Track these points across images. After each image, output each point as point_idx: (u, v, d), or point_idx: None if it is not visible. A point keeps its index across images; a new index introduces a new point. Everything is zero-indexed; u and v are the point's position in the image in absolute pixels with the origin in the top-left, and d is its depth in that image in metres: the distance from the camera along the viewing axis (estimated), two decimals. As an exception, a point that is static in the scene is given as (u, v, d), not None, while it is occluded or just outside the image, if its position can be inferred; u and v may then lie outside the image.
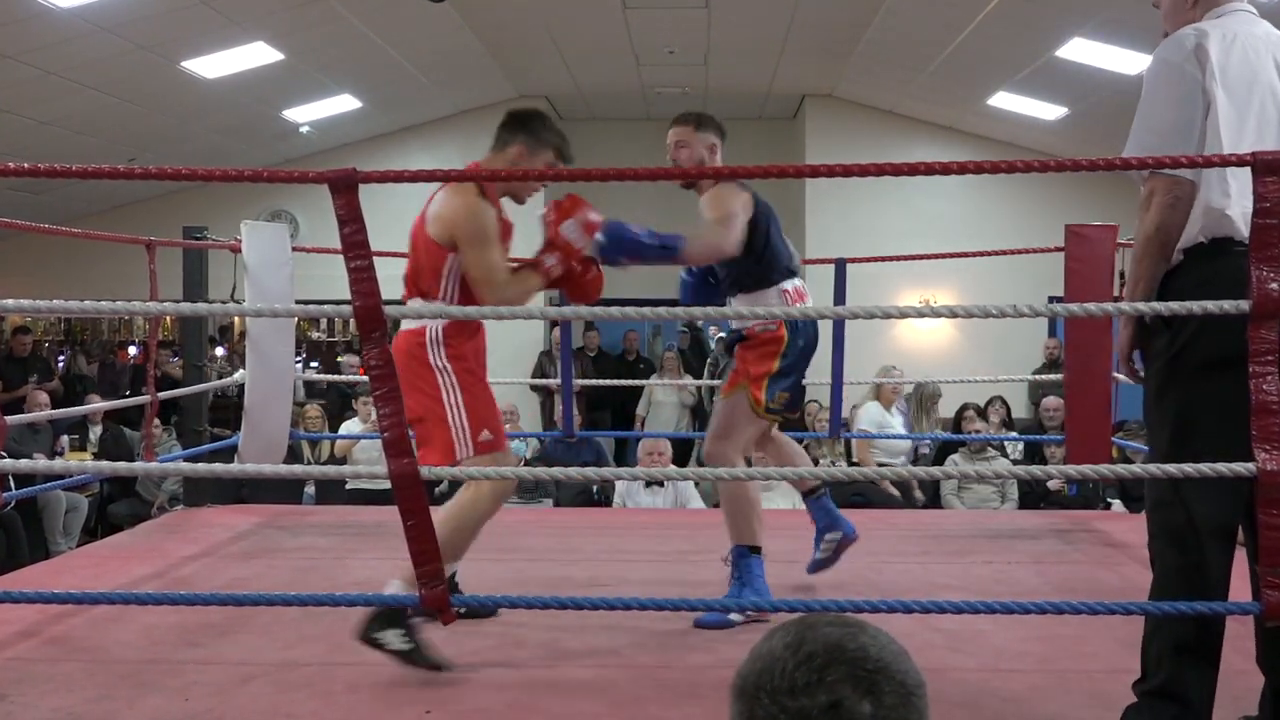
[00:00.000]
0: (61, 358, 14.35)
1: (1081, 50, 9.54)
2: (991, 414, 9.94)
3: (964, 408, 9.44)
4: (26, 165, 3.11)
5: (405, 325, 3.65)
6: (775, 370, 4.00)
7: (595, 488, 8.08)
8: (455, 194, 3.53)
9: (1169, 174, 2.70)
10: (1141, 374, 2.94)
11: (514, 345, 12.41)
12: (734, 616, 3.86)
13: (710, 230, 3.88)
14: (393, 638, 3.29)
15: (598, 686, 3.28)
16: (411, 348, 3.55)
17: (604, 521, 6.24)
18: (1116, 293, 5.29)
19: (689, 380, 10.80)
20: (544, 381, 10.49)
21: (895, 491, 8.00)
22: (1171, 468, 2.71)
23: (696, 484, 7.55)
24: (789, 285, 4.05)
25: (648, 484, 7.06)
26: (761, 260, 3.98)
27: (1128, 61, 9.41)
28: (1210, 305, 2.70)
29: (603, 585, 4.30)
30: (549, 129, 3.71)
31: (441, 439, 3.50)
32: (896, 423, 8.46)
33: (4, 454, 4.93)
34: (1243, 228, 2.74)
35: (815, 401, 9.14)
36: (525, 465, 8.56)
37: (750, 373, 4.03)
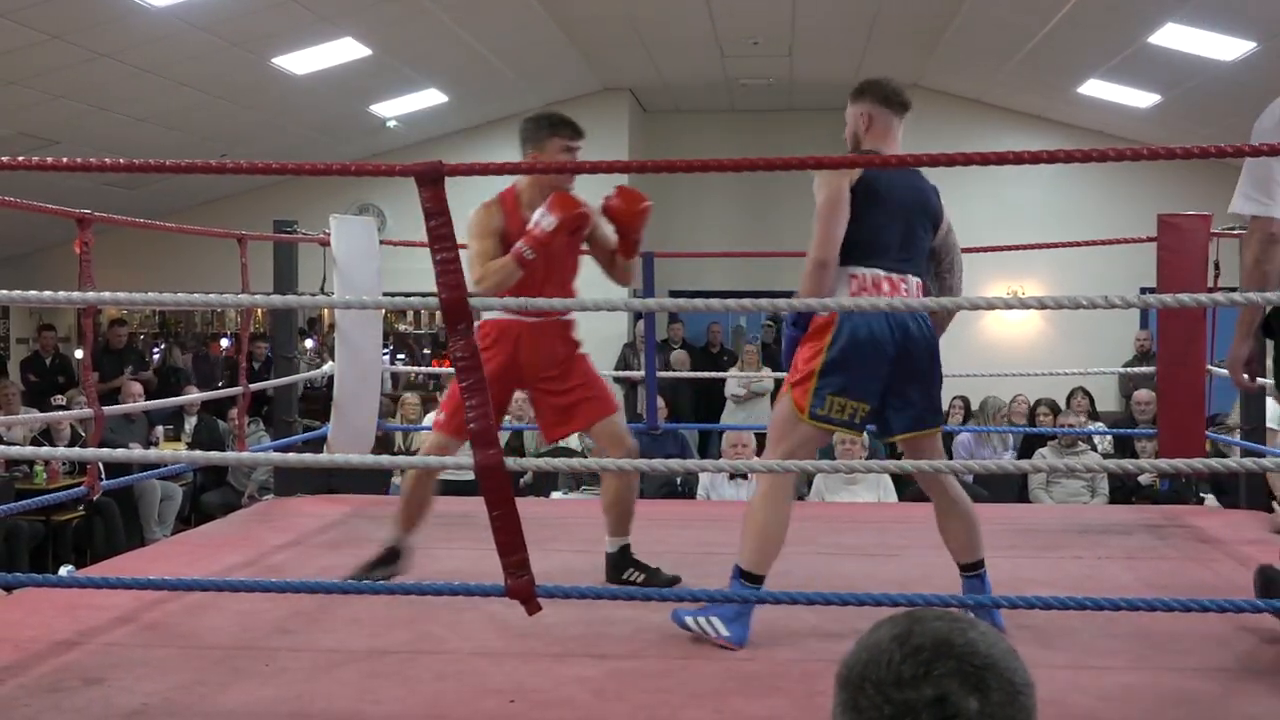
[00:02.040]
0: (156, 350, 14.65)
1: (1175, 36, 9.33)
2: (1075, 406, 9.82)
3: (1037, 403, 9.34)
4: (122, 161, 3.17)
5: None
6: (821, 366, 3.47)
7: (679, 480, 8.08)
8: None
9: (1264, 215, 3.23)
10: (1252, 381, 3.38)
11: (599, 338, 12.45)
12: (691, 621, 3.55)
13: (807, 269, 3.50)
14: None
15: (682, 678, 3.27)
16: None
17: (688, 514, 6.23)
18: (1210, 284, 5.20)
19: (766, 372, 10.76)
20: (627, 374, 10.52)
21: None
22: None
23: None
24: (862, 270, 3.55)
25: (732, 476, 7.06)
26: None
27: (1223, 47, 9.19)
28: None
29: (687, 577, 4.30)
30: None
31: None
32: None
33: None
34: None
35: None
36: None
37: (798, 369, 3.55)
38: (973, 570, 3.65)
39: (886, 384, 3.53)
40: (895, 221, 3.59)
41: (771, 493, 3.56)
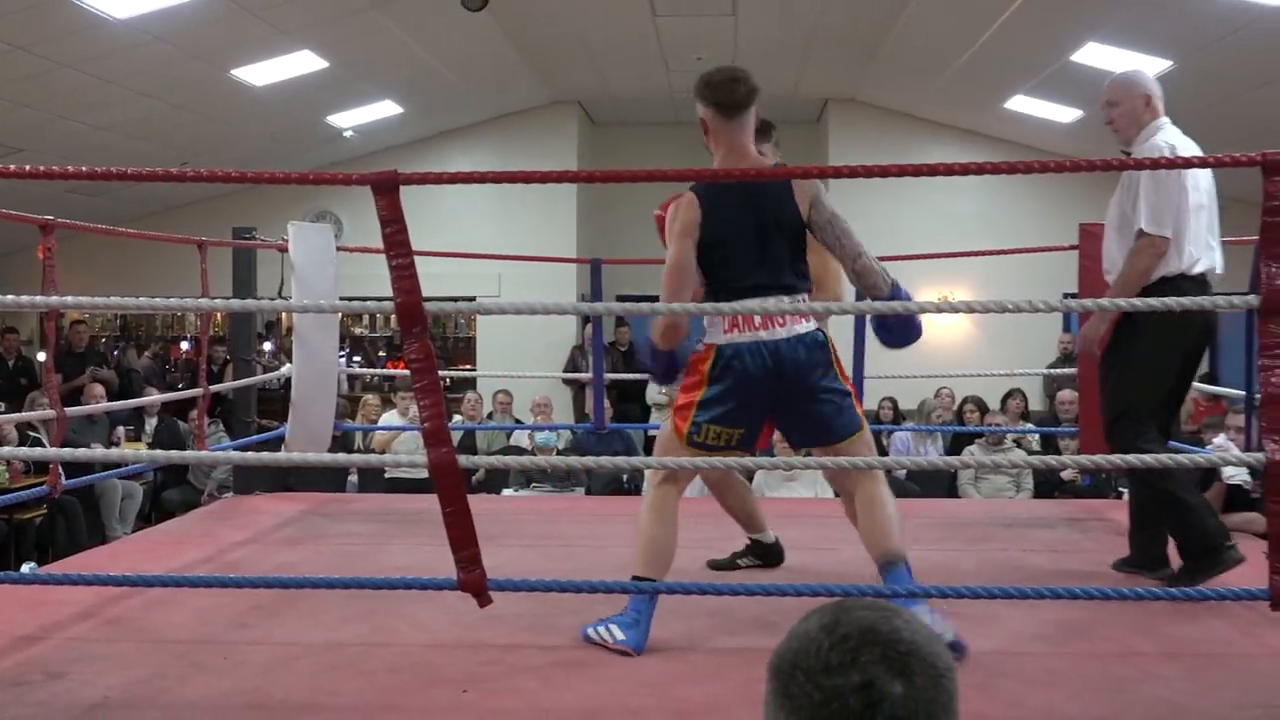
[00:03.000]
0: (117, 352, 14.60)
1: (1096, 54, 9.57)
2: (1012, 409, 10.07)
3: (964, 401, 9.54)
4: (85, 169, 3.25)
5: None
6: (700, 399, 3.52)
7: (625, 477, 8.23)
8: None
9: (1158, 233, 3.91)
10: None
11: (547, 341, 12.61)
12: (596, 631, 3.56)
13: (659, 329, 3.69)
14: None
15: (627, 668, 3.34)
16: None
17: (634, 510, 6.30)
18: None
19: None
20: (576, 376, 10.64)
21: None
22: (1184, 458, 2.84)
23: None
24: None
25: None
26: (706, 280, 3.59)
27: (1140, 65, 9.36)
28: (1220, 299, 3.23)
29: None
30: None
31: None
32: None
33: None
34: (1188, 269, 3.98)
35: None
36: (558, 455, 8.73)
37: (681, 397, 3.62)
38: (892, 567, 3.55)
39: (768, 407, 3.55)
40: (749, 246, 3.51)
41: (657, 504, 3.65)
